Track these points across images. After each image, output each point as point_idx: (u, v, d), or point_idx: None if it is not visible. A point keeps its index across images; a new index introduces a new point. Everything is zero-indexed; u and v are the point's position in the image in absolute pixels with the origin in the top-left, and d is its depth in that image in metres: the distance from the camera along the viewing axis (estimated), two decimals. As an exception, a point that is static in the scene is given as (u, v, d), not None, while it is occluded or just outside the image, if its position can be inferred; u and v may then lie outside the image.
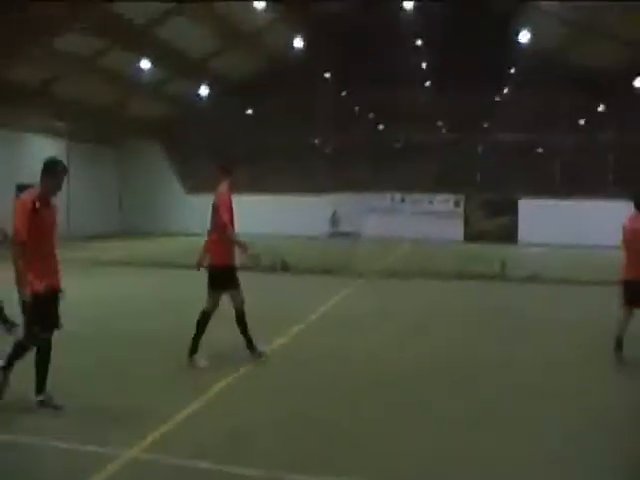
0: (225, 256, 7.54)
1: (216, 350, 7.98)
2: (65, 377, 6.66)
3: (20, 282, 5.63)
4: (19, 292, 5.65)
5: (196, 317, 7.60)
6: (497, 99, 32.92)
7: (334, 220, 32.53)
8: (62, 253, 6.41)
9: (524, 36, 27.46)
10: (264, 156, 33.53)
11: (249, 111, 35.09)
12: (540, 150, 32.76)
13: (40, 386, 5.98)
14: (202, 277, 7.71)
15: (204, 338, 7.64)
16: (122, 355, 8.23)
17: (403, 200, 31.96)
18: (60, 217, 6.38)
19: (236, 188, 7.75)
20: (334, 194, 32.24)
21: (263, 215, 30.52)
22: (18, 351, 6.01)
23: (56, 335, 6.02)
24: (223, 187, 7.58)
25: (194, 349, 7.61)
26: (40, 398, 5.96)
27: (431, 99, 33.06)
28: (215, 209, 7.48)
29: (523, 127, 31.54)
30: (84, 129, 29.62)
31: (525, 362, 8.22)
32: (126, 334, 9.40)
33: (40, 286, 5.74)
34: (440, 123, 34.60)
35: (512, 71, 31.77)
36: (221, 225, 7.39)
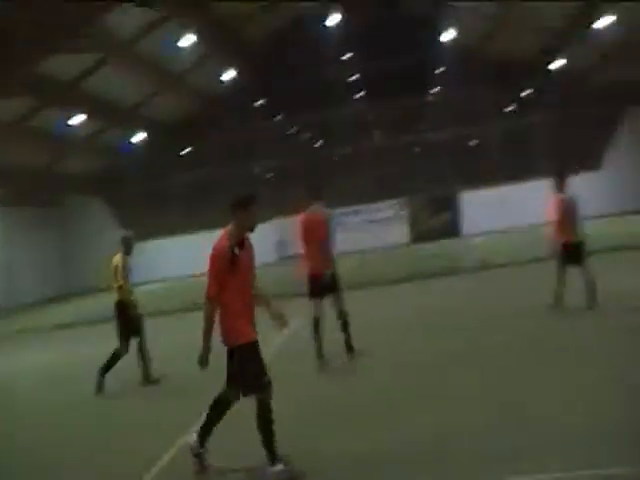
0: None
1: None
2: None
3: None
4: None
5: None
6: (428, 99, 33.60)
7: (280, 245, 32.54)
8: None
9: (446, 35, 28.20)
10: (205, 193, 33.57)
11: (187, 150, 35.11)
12: (474, 142, 33.44)
13: (271, 454, 5.16)
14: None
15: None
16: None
17: (353, 213, 32.13)
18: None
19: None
20: (278, 219, 32.32)
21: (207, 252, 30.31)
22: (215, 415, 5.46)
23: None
24: (318, 209, 8.56)
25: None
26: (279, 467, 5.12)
27: (364, 109, 33.63)
28: (314, 229, 8.39)
29: (455, 123, 32.24)
30: (19, 193, 29.13)
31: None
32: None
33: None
34: (376, 131, 35.11)
35: (439, 70, 32.61)
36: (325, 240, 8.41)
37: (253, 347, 5.22)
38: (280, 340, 10.31)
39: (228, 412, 5.43)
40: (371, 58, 31.66)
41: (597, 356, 7.42)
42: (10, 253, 28.37)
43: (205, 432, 5.46)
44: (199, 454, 5.47)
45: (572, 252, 9.71)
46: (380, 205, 32.36)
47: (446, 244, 26.43)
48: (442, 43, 28.74)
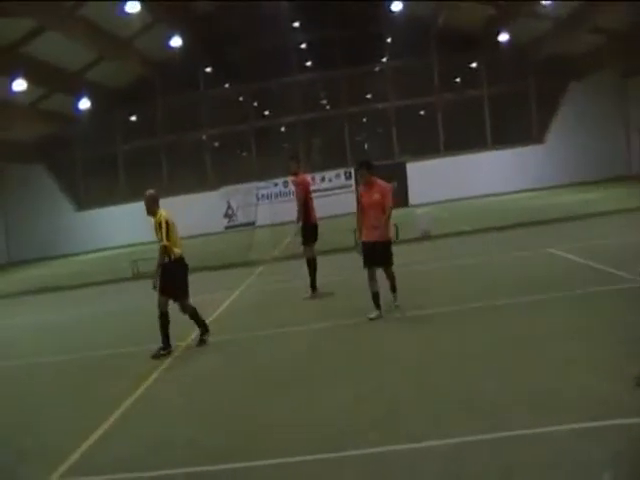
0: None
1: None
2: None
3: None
4: None
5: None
6: (377, 69, 33.63)
7: (229, 213, 32.50)
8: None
9: (396, 5, 28.34)
10: (152, 160, 33.16)
11: (133, 118, 34.42)
12: (421, 112, 33.74)
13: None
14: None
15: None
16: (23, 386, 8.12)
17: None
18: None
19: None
20: (226, 187, 32.24)
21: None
22: None
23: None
24: (378, 180, 8.98)
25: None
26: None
27: (313, 78, 33.48)
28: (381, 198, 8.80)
29: (404, 93, 32.48)
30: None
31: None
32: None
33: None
34: (324, 101, 35.01)
35: (388, 40, 32.69)
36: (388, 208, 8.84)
37: None
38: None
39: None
40: (321, 27, 31.57)
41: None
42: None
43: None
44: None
45: None
46: (327, 174, 32.43)
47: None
48: (392, 12, 28.76)
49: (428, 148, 32.25)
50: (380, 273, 8.98)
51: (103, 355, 9.08)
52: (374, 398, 5.85)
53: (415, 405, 5.54)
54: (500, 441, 4.60)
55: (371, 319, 8.72)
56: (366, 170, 9.00)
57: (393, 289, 9.22)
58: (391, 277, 9.14)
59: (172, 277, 8.27)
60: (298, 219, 10.95)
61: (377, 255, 8.80)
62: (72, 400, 7.24)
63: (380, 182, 9.00)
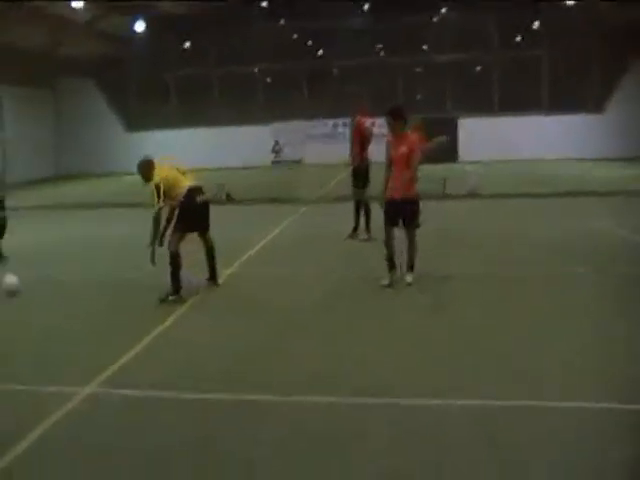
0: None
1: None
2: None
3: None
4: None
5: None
6: (434, 20, 32.67)
7: (276, 149, 32.44)
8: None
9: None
10: (204, 89, 33.09)
11: (187, 44, 34.20)
12: (478, 68, 32.88)
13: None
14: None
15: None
16: (70, 301, 8.31)
17: (345, 125, 31.72)
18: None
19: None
20: (275, 123, 32.06)
21: (205, 147, 30.34)
22: None
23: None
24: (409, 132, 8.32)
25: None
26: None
27: (369, 23, 32.66)
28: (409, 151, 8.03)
29: (461, 47, 31.57)
30: (16, 73, 28.53)
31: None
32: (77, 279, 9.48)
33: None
34: (379, 46, 34.25)
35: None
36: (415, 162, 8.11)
37: None
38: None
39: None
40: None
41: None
42: (9, 131, 28.01)
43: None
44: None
45: None
46: (378, 120, 31.94)
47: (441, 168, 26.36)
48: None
49: (482, 106, 31.49)
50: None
51: (142, 275, 8.91)
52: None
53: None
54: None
55: (384, 286, 7.98)
56: (392, 118, 8.12)
57: (410, 266, 8.12)
58: (413, 246, 8.09)
59: (188, 213, 7.83)
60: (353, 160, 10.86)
61: (400, 214, 8.00)
62: (110, 317, 7.42)
63: (410, 134, 8.33)
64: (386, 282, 8.00)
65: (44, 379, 5.46)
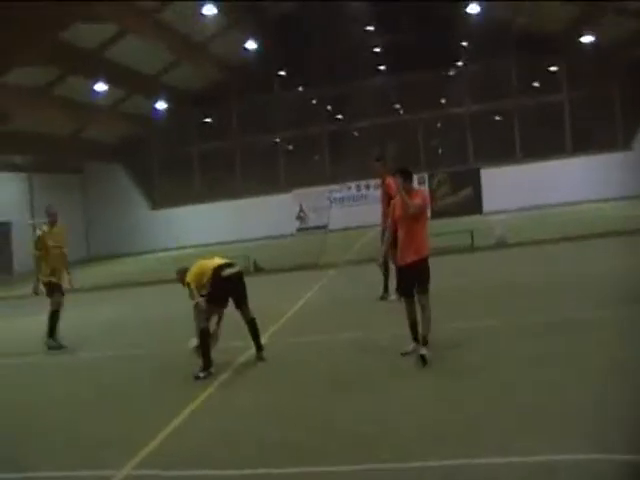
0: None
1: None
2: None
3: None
4: None
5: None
6: (451, 73, 33.10)
7: (301, 215, 32.59)
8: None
9: (473, 8, 27.67)
10: (226, 161, 33.72)
11: (208, 120, 35.02)
12: (497, 117, 33.04)
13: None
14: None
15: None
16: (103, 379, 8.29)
17: (368, 187, 31.86)
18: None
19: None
20: (299, 190, 32.33)
21: (229, 220, 30.82)
22: None
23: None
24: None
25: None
26: None
27: (386, 82, 33.20)
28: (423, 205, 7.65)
29: (479, 98, 31.87)
30: (44, 160, 29.49)
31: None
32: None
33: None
34: (397, 105, 34.67)
35: (464, 44, 32.09)
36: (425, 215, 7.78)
37: None
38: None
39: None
40: (395, 31, 31.28)
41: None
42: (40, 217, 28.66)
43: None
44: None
45: None
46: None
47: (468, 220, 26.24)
48: (468, 15, 28.15)
49: (504, 154, 31.53)
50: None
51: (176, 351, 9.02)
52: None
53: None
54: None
55: (403, 354, 7.54)
56: (402, 179, 7.62)
57: (425, 340, 7.35)
58: (426, 315, 7.38)
59: (216, 290, 7.99)
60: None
61: (415, 280, 7.43)
62: (149, 393, 7.45)
63: (417, 188, 8.06)
64: (410, 349, 7.57)
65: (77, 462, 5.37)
